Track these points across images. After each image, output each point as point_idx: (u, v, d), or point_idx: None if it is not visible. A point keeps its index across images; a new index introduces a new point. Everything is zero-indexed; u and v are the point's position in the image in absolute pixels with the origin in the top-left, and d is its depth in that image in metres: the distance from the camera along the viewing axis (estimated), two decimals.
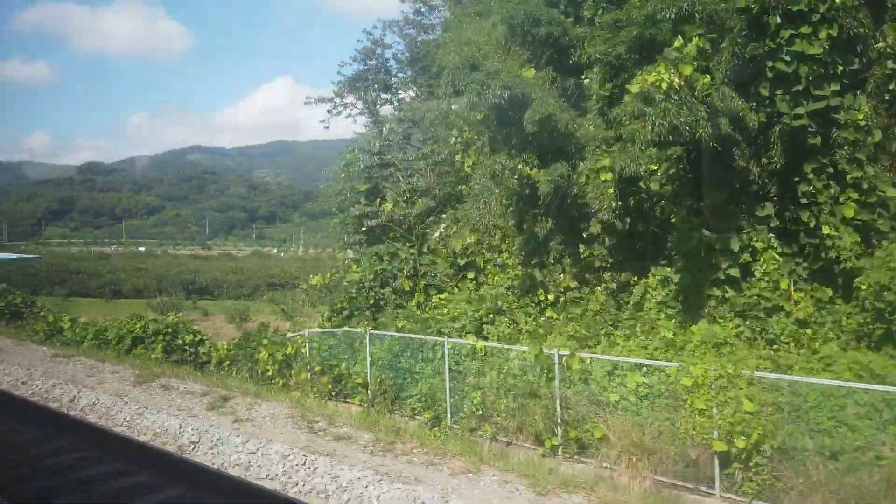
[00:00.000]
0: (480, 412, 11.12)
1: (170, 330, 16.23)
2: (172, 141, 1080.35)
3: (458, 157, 18.66)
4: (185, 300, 54.82)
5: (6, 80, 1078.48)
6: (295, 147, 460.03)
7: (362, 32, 26.95)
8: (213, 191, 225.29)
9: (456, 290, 16.38)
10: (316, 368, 13.89)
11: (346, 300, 18.23)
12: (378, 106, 27.43)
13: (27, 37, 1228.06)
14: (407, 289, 17.10)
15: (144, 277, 61.24)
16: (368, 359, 13.36)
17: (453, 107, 17.47)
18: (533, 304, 14.27)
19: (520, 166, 13.42)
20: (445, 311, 14.67)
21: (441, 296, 16.09)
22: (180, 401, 9.57)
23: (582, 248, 13.66)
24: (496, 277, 15.77)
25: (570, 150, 13.50)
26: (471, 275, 16.42)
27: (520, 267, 15.20)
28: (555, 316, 13.63)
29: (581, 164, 13.47)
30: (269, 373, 14.41)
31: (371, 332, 13.88)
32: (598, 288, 13.56)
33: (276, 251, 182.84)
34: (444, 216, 18.20)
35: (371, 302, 17.39)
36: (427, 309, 15.56)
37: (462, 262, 16.61)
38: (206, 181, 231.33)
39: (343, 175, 21.13)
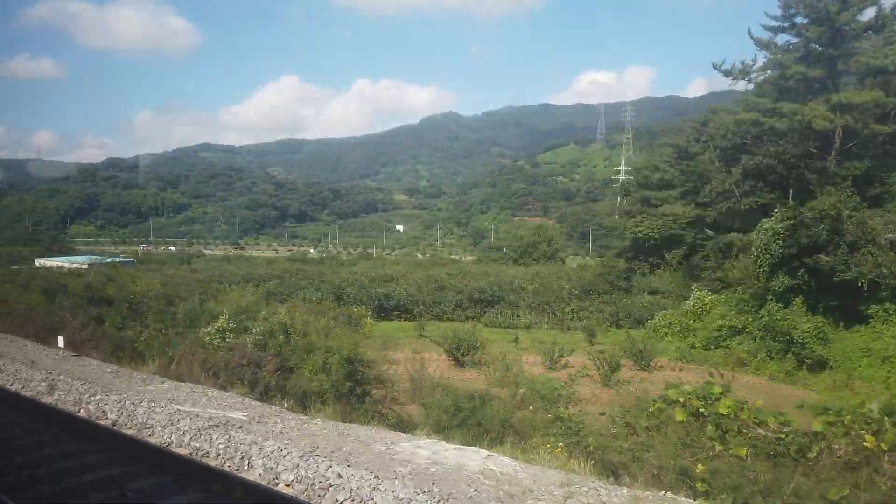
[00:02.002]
0: None
1: None
2: (178, 139, 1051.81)
3: None
4: (386, 320, 45.98)
5: (12, 77, 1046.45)
6: (304, 145, 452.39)
7: None
8: (239, 188, 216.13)
9: None
10: None
11: None
12: None
13: (33, 34, 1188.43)
14: None
15: (305, 288, 51.31)
16: None
17: None
18: None
19: None
20: None
21: None
22: None
23: None
24: None
25: None
26: None
27: None
28: None
29: None
30: None
31: None
32: None
33: (313, 251, 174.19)
34: None
35: None
36: None
37: None
38: (232, 178, 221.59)
39: None
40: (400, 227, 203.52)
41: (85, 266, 59.29)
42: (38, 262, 66.70)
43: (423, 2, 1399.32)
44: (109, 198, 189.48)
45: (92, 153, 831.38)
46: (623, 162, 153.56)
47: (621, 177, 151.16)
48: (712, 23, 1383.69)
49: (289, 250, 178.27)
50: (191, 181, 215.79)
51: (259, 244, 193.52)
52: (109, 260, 72.80)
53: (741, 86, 43.34)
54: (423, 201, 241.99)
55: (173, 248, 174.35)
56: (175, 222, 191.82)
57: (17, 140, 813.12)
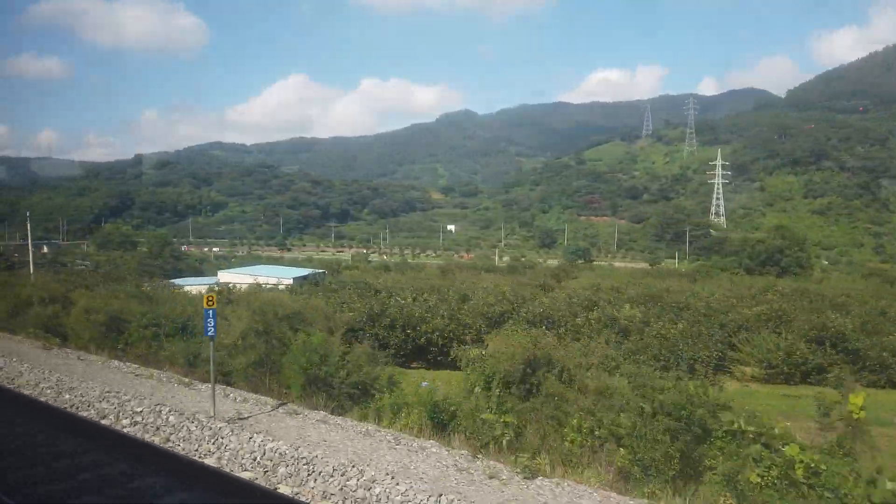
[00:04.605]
0: None
1: None
2: (185, 138, 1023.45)
3: None
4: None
5: (17, 76, 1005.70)
6: (315, 143, 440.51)
7: None
8: (275, 186, 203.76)
9: None
10: None
11: None
12: None
13: (39, 32, 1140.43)
14: None
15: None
16: None
17: None
18: None
19: None
20: None
21: None
22: None
23: None
24: None
25: None
26: None
27: None
28: None
29: None
30: None
31: None
32: None
33: (365, 252, 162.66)
34: None
35: None
36: None
37: None
38: (268, 176, 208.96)
39: None
40: (451, 228, 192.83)
41: (289, 282, 46.78)
42: (223, 276, 53.99)
43: (435, 1, 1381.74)
44: (145, 196, 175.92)
45: (97, 152, 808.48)
46: (719, 157, 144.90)
47: (718, 172, 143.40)
48: (718, 22, 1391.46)
49: (339, 251, 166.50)
50: (224, 179, 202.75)
51: (304, 245, 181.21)
52: (306, 273, 60.45)
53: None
54: (462, 200, 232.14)
55: (217, 249, 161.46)
56: (213, 221, 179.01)
57: (21, 139, 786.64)
